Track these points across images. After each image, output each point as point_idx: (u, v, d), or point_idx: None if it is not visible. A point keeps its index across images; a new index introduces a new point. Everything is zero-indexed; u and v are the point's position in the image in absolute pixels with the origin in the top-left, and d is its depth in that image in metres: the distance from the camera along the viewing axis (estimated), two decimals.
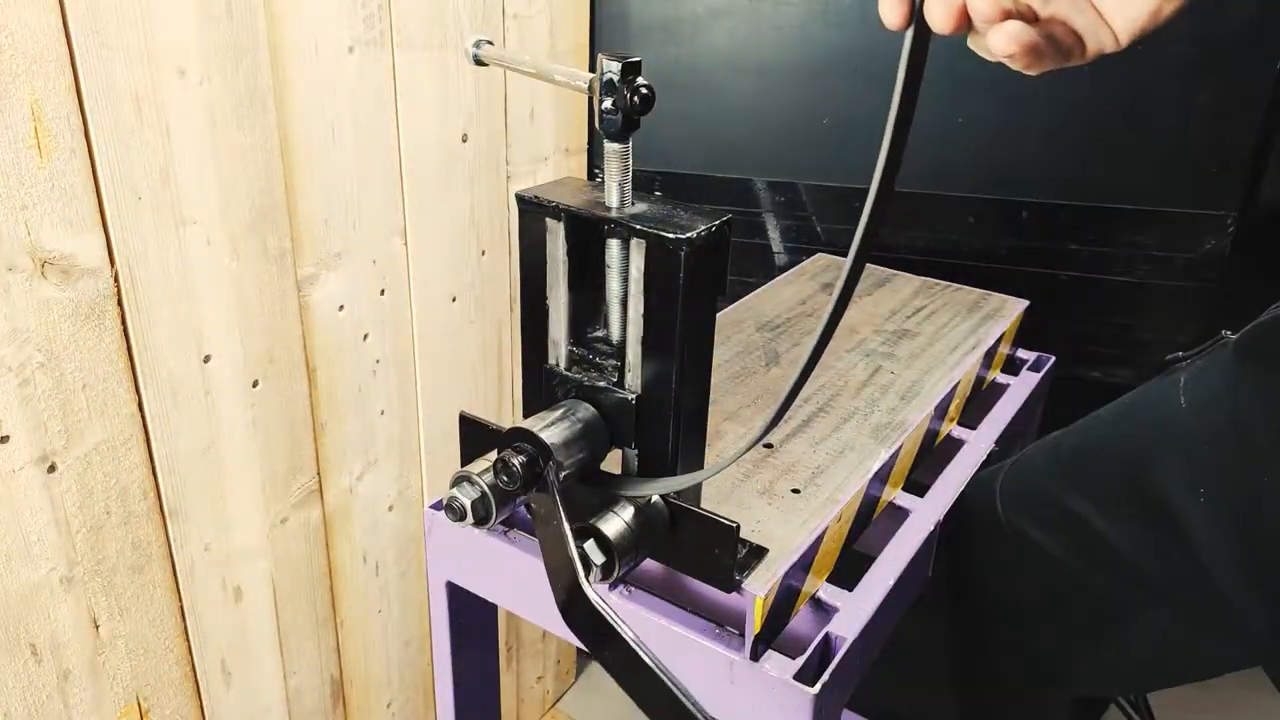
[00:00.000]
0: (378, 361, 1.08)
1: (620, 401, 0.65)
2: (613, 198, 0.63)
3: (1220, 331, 0.78)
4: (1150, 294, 1.30)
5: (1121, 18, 0.48)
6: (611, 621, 0.58)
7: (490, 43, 0.65)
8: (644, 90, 0.58)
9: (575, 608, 0.60)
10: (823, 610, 0.74)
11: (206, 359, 0.88)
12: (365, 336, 1.05)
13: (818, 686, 0.65)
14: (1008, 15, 0.45)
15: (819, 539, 0.73)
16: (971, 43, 0.47)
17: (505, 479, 0.62)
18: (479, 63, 0.65)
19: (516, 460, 0.61)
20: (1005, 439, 0.98)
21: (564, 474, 0.62)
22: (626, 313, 0.65)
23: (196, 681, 0.97)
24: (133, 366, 0.82)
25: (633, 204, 0.63)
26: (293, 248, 0.93)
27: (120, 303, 0.80)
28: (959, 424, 0.99)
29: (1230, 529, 0.68)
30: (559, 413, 0.64)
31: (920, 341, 1.07)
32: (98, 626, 0.86)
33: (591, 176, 1.38)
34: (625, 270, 0.64)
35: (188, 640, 0.95)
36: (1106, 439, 0.83)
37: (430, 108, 1.04)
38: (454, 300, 1.17)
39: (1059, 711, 0.95)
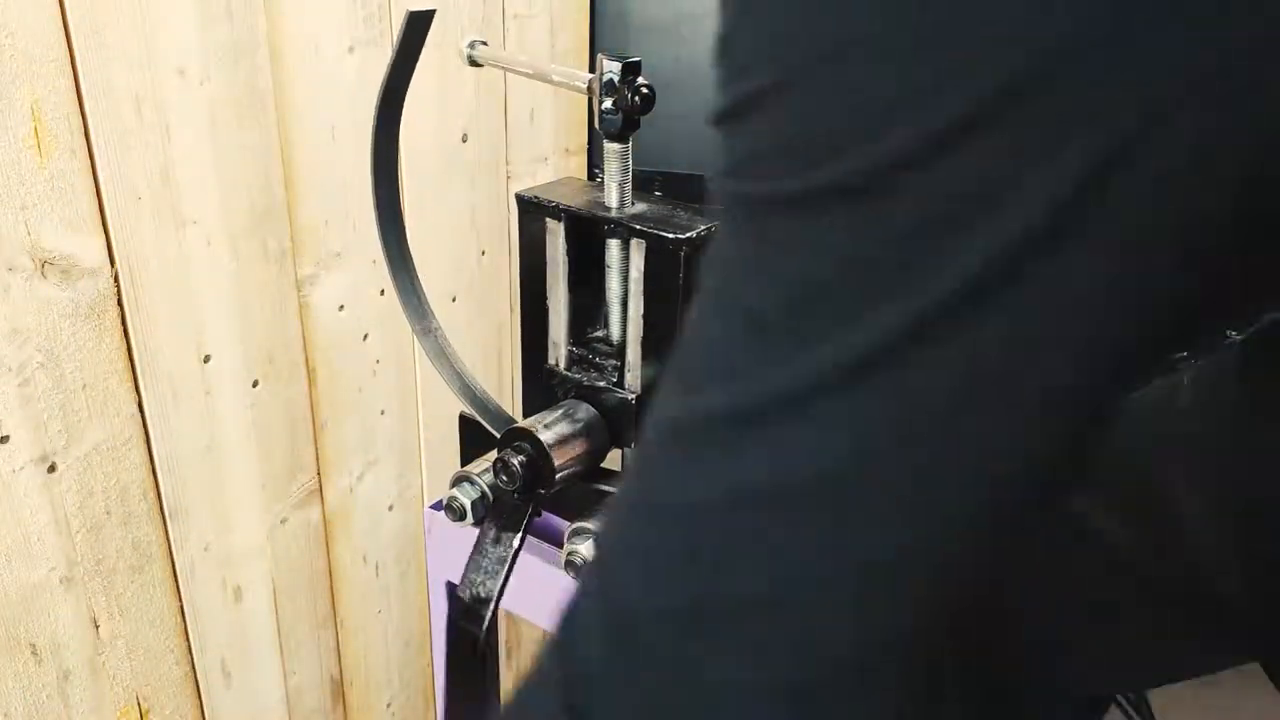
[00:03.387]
0: (378, 361, 1.08)
1: (620, 401, 0.65)
2: (613, 198, 0.63)
3: (1226, 332, 0.77)
4: None
5: None
6: None
7: (485, 43, 0.66)
8: (644, 90, 0.59)
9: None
10: None
11: (206, 359, 0.88)
12: (365, 336, 1.05)
13: None
14: None
15: None
16: None
17: (505, 479, 0.62)
18: (474, 64, 0.65)
19: (516, 460, 0.61)
20: None
21: (564, 475, 0.63)
22: (626, 313, 0.65)
23: (196, 681, 0.97)
24: (133, 366, 0.82)
25: (633, 204, 0.63)
26: (293, 248, 0.93)
27: (120, 303, 0.80)
28: None
29: (1231, 531, 0.68)
30: (559, 413, 0.64)
31: None
32: (98, 626, 0.86)
33: (591, 176, 1.37)
34: (625, 270, 0.64)
35: (188, 640, 0.95)
36: (1109, 437, 0.82)
37: (430, 107, 1.04)
38: (454, 300, 1.17)
39: (1059, 711, 0.95)
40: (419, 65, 1.01)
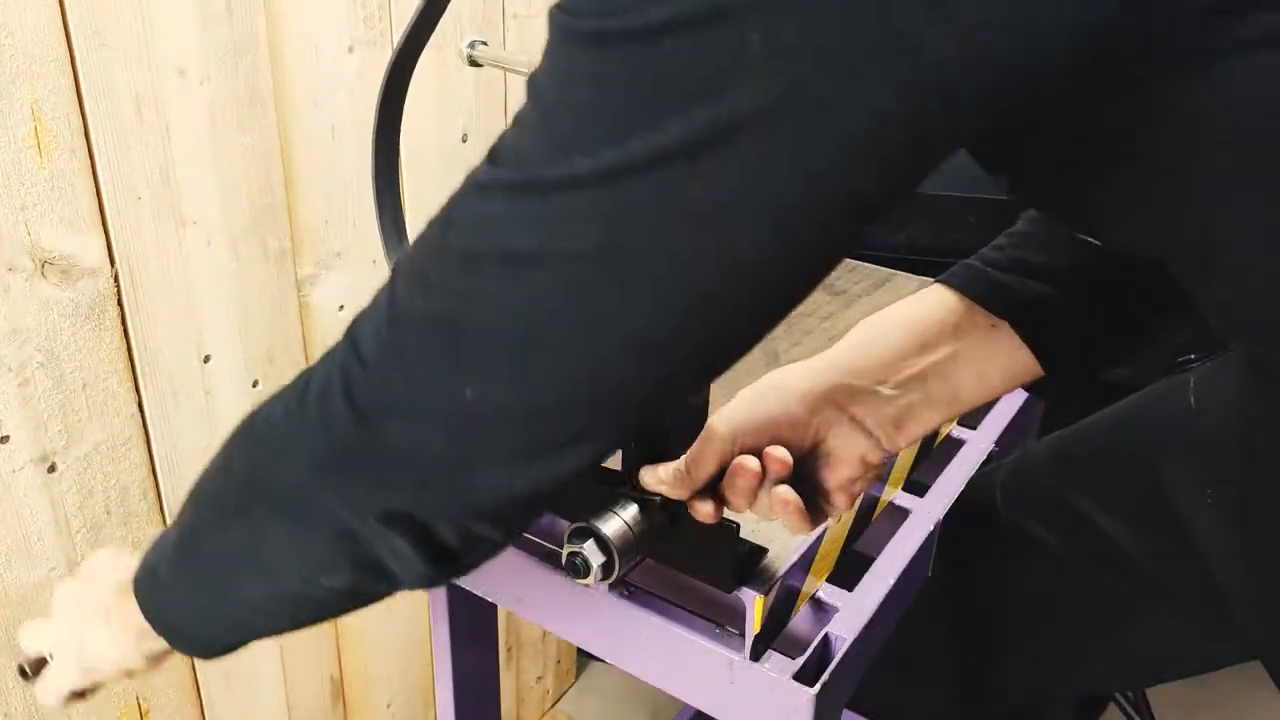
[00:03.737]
0: None
1: None
2: None
3: None
4: None
5: (839, 498, 0.62)
6: None
7: (485, 43, 0.65)
8: None
9: None
10: (823, 610, 0.73)
11: (206, 359, 0.88)
12: None
13: (818, 686, 0.65)
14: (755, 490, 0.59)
15: (819, 539, 0.73)
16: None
17: None
18: (474, 64, 0.65)
19: None
20: (1005, 439, 0.98)
21: None
22: None
23: (196, 681, 0.97)
24: (133, 366, 0.82)
25: None
26: (293, 248, 0.93)
27: (120, 303, 0.80)
28: (959, 424, 0.99)
29: (1235, 531, 0.68)
30: None
31: None
32: None
33: None
34: None
35: None
36: (1111, 438, 0.83)
37: (430, 107, 1.04)
38: None
39: (1059, 710, 0.95)
40: (418, 66, 1.01)
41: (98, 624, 0.58)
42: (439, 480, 0.43)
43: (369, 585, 0.48)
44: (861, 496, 0.79)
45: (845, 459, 0.60)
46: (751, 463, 0.58)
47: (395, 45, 0.58)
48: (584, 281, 0.37)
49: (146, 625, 0.55)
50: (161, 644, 0.56)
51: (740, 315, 0.40)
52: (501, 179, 0.39)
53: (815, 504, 0.62)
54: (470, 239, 0.40)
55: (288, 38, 0.87)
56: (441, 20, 0.67)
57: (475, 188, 0.40)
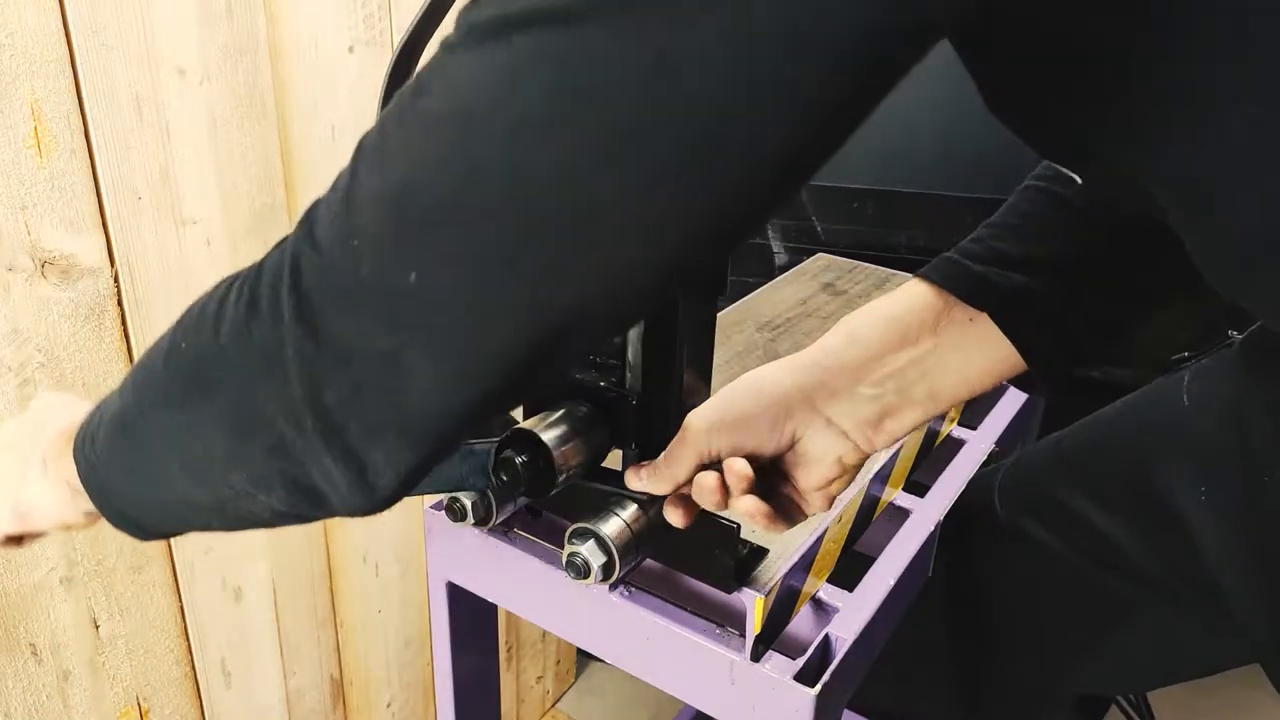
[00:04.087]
0: None
1: (620, 401, 0.65)
2: None
3: (1228, 332, 0.77)
4: None
5: (815, 499, 0.61)
6: None
7: None
8: None
9: None
10: (823, 611, 0.73)
11: None
12: None
13: (818, 687, 0.65)
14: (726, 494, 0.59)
15: (819, 539, 0.73)
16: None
17: (506, 479, 0.62)
18: None
19: (517, 460, 0.61)
20: (1005, 439, 0.98)
21: (565, 475, 0.62)
22: None
23: (196, 681, 0.97)
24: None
25: None
26: None
27: (120, 303, 0.80)
28: (959, 424, 0.99)
29: (1231, 528, 0.69)
30: (559, 413, 0.64)
31: None
32: (98, 626, 0.86)
33: None
34: None
35: (188, 640, 0.95)
36: (1109, 437, 0.83)
37: None
38: None
39: (1060, 711, 0.95)
40: (419, 65, 1.01)
41: (36, 473, 0.55)
42: (372, 388, 0.39)
43: (304, 508, 0.45)
44: (861, 496, 0.79)
45: (821, 460, 0.60)
46: (709, 478, 0.58)
47: (397, 44, 0.58)
48: (542, 143, 0.34)
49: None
50: None
51: (719, 198, 0.35)
52: (474, 20, 0.35)
53: (792, 504, 0.62)
54: (431, 99, 0.36)
55: (288, 38, 0.87)
56: (443, 20, 0.67)
57: (447, 46, 0.36)
